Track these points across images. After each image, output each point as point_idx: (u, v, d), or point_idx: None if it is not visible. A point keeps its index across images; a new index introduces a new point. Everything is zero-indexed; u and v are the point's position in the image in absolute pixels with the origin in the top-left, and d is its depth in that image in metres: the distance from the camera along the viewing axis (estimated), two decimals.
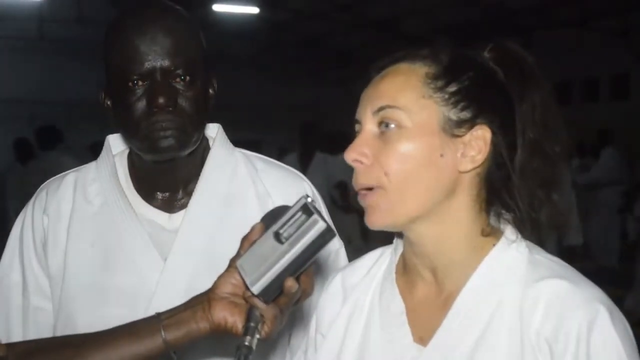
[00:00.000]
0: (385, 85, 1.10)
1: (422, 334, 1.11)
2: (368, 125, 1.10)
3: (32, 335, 1.41)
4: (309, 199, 1.01)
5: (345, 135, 1.16)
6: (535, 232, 1.11)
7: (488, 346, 1.05)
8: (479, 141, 1.07)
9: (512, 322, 1.05)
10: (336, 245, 1.49)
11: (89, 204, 1.43)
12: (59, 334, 1.39)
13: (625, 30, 13.70)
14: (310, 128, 6.30)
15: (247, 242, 1.08)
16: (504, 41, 1.14)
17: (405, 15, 14.54)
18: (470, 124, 1.07)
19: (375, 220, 1.09)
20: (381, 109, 1.08)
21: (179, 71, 1.31)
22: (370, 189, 1.08)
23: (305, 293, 1.08)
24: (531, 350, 1.02)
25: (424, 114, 1.06)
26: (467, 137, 1.07)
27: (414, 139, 1.06)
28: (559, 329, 1.01)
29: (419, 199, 1.07)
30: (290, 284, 1.02)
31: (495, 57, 1.13)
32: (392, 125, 1.07)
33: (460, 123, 1.07)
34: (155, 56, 1.29)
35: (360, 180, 1.09)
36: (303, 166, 5.90)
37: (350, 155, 1.09)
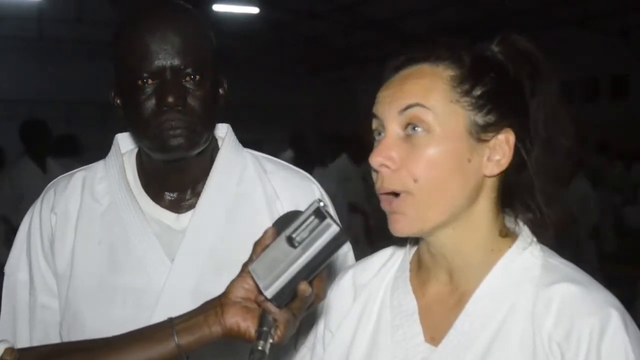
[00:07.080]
0: (410, 86, 1.07)
1: (434, 334, 1.10)
2: (392, 127, 1.07)
3: (39, 333, 1.41)
4: (322, 203, 1.00)
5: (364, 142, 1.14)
6: (555, 233, 1.10)
7: (500, 349, 1.04)
8: (503, 145, 1.07)
9: (524, 326, 1.04)
10: (344, 249, 1.48)
11: (96, 202, 1.42)
12: (65, 332, 1.39)
13: (625, 30, 13.72)
14: (335, 137, 6.40)
15: (259, 246, 1.07)
16: (511, 35, 1.12)
17: (405, 15, 14.56)
18: (496, 127, 1.06)
19: (402, 227, 1.07)
20: (409, 107, 1.05)
21: (189, 70, 1.30)
22: (396, 194, 1.06)
23: (318, 297, 1.07)
24: (543, 354, 1.01)
25: (452, 119, 1.05)
26: (493, 141, 1.06)
27: (443, 144, 1.04)
28: (571, 334, 1.00)
29: (446, 204, 1.06)
30: (304, 288, 1.01)
31: (503, 52, 1.11)
32: (420, 129, 1.05)
33: (486, 127, 1.06)
34: (165, 55, 1.28)
35: (386, 184, 1.06)
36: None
37: (377, 160, 1.06)
